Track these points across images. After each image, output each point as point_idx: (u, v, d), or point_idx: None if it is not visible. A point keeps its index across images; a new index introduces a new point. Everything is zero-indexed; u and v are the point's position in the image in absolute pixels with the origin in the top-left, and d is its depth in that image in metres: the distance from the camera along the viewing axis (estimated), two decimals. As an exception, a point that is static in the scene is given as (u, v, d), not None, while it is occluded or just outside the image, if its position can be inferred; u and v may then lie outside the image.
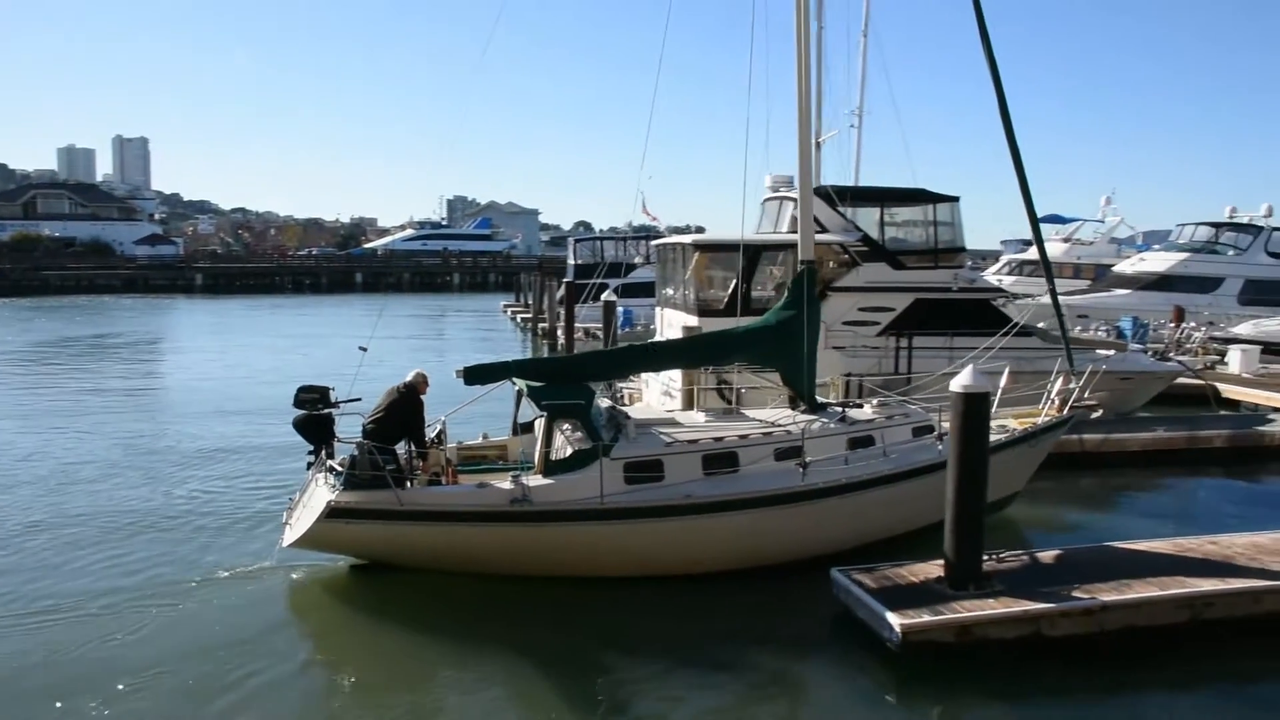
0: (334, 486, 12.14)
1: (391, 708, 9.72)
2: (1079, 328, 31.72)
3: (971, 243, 23.19)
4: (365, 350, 13.46)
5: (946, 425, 14.12)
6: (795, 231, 21.70)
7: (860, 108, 31.29)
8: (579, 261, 48.23)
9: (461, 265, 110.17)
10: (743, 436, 13.20)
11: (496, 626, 11.42)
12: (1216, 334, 32.25)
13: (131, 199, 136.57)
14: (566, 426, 13.22)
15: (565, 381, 13.12)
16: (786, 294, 14.59)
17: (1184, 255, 40.19)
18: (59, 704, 9.52)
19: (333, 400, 12.77)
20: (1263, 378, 27.45)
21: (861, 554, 12.53)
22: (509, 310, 62.34)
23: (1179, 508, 16.92)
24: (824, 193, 22.22)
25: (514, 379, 13.32)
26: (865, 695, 10.03)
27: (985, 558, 11.26)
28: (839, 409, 14.50)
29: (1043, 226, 55.19)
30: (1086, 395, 15.89)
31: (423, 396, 13.08)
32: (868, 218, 21.76)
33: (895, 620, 10.14)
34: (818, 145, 27.52)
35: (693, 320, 20.03)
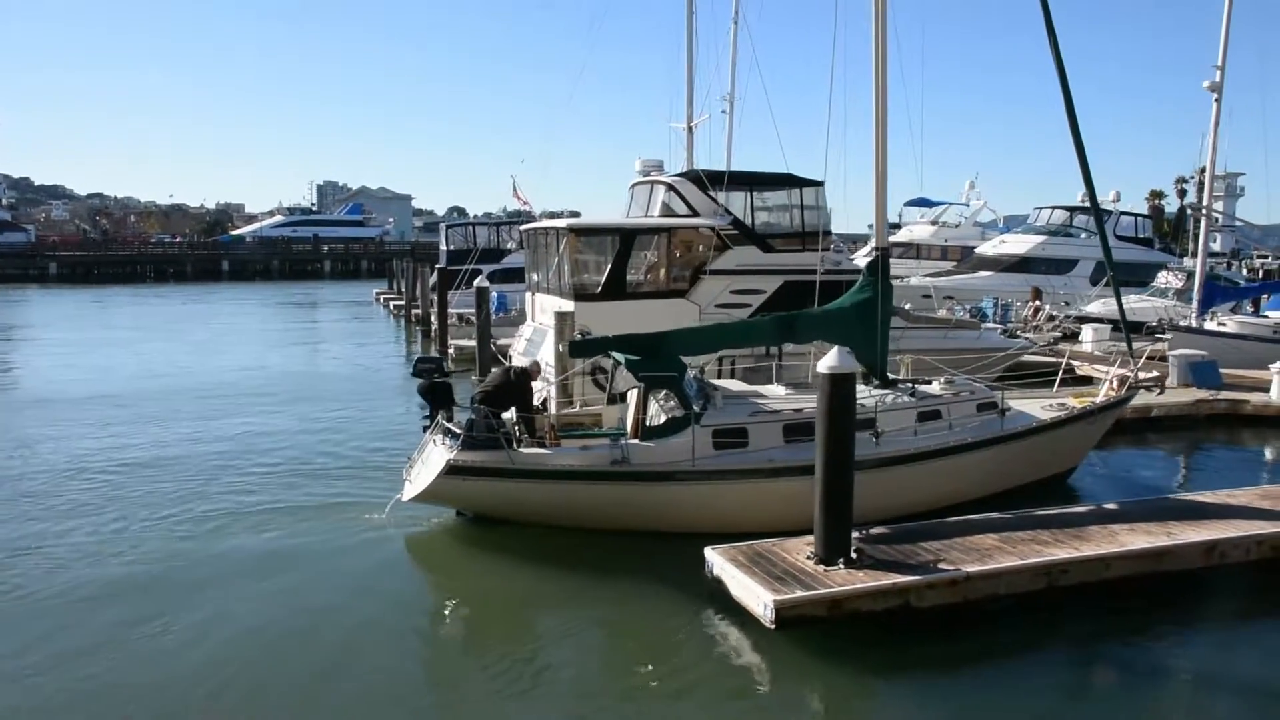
0: (450, 447, 13.43)
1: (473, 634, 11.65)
2: (943, 309, 32.71)
3: (842, 227, 23.70)
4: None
5: (1011, 402, 15.56)
6: (667, 215, 21.93)
7: (731, 94, 31.67)
8: (451, 247, 47.57)
9: (333, 252, 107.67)
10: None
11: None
12: (1071, 313, 33.67)
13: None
14: (661, 396, 14.24)
15: (658, 356, 13.93)
16: (861, 278, 15.53)
17: (1041, 238, 41.85)
18: (186, 598, 11.67)
19: (446, 370, 14.61)
20: (1112, 354, 28.79)
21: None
22: (382, 298, 61.24)
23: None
24: (695, 177, 22.42)
25: (612, 353, 14.40)
26: (741, 671, 10.17)
27: (855, 533, 11.53)
28: (909, 385, 15.51)
29: (910, 210, 56.75)
30: (905, 371, 16.95)
31: (535, 383, 14.74)
32: (737, 202, 22.00)
33: (768, 596, 10.29)
34: (689, 130, 27.81)
35: (568, 305, 19.93)
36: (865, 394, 14.79)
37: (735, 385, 15.71)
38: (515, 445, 13.68)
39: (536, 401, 15.11)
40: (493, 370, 14.63)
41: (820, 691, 9.91)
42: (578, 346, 14.81)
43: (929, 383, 15.77)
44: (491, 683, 9.93)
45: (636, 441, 13.74)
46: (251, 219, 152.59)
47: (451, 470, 13.25)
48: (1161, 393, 18.35)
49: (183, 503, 15.59)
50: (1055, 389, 18.01)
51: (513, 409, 14.04)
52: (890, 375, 15.69)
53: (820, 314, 15.58)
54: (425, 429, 14.59)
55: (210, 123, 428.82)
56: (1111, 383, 16.82)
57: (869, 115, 14.95)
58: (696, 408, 13.77)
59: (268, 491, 16.24)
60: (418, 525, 14.38)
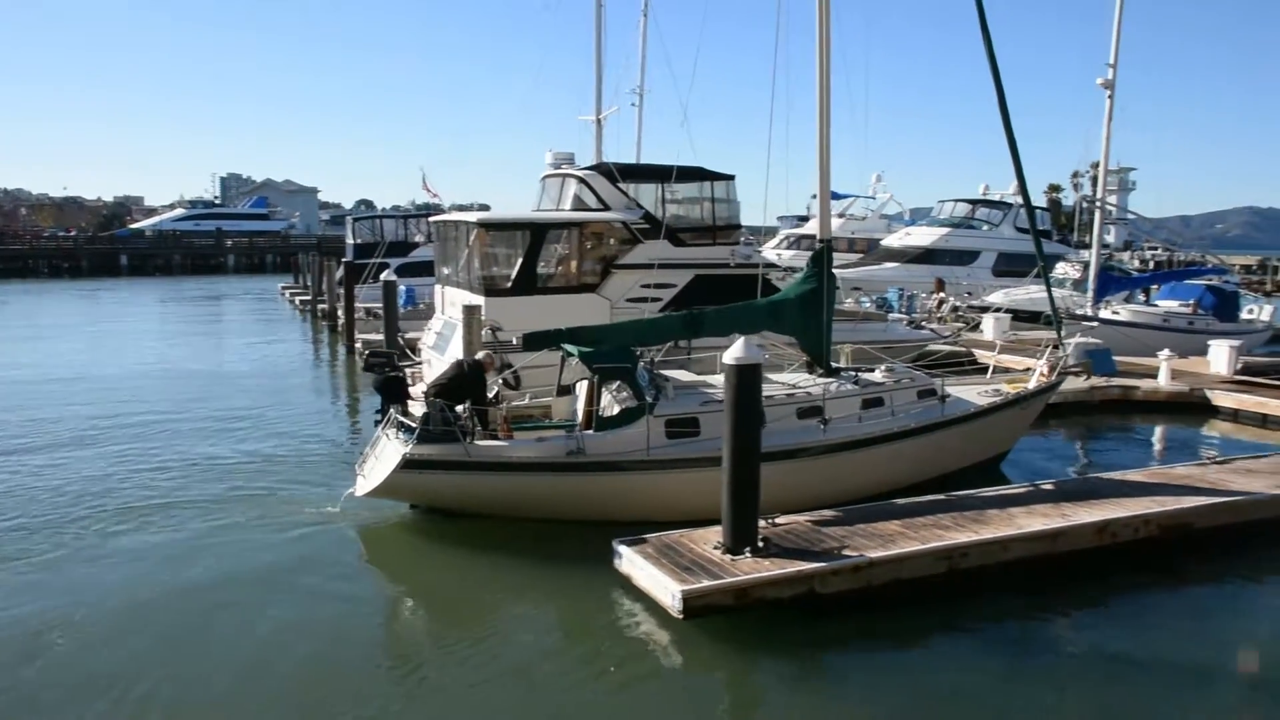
0: (405, 441, 13.38)
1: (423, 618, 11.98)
2: (850, 300, 33.28)
3: (750, 219, 23.91)
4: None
5: (950, 389, 16.10)
6: (579, 209, 21.90)
7: (641, 86, 31.79)
8: (358, 241, 46.87)
9: (237, 246, 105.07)
10: (769, 397, 14.16)
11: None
12: (974, 303, 34.51)
13: None
14: (614, 387, 14.38)
15: (611, 347, 14.23)
16: (806, 269, 15.88)
17: (945, 230, 42.85)
18: (136, 601, 11.42)
19: (396, 363, 14.64)
20: (1012, 343, 29.62)
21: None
22: (288, 292, 60.03)
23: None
24: (606, 170, 22.41)
25: (565, 345, 14.57)
26: (651, 661, 10.24)
27: (761, 523, 11.69)
28: (853, 373, 15.87)
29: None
30: (846, 360, 17.47)
31: (488, 375, 14.80)
32: (648, 195, 22.02)
33: (675, 587, 10.40)
34: (598, 122, 27.83)
35: (478, 299, 19.78)
36: (811, 383, 15.26)
37: (686, 375, 15.90)
38: (470, 438, 13.67)
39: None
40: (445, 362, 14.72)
41: (728, 679, 10.05)
42: (531, 339, 14.78)
43: (872, 370, 16.20)
44: (404, 673, 9.90)
45: (591, 433, 13.88)
46: (152, 212, 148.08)
47: (408, 464, 13.24)
48: (1089, 378, 19.23)
49: (129, 498, 15.30)
50: (989, 376, 18.69)
51: (467, 401, 13.98)
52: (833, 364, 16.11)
53: (767, 305, 15.91)
54: (378, 423, 14.50)
55: (107, 113, 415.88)
56: (1042, 369, 17.54)
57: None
58: (649, 398, 13.93)
59: (209, 490, 15.77)
60: (370, 519, 14.24)
